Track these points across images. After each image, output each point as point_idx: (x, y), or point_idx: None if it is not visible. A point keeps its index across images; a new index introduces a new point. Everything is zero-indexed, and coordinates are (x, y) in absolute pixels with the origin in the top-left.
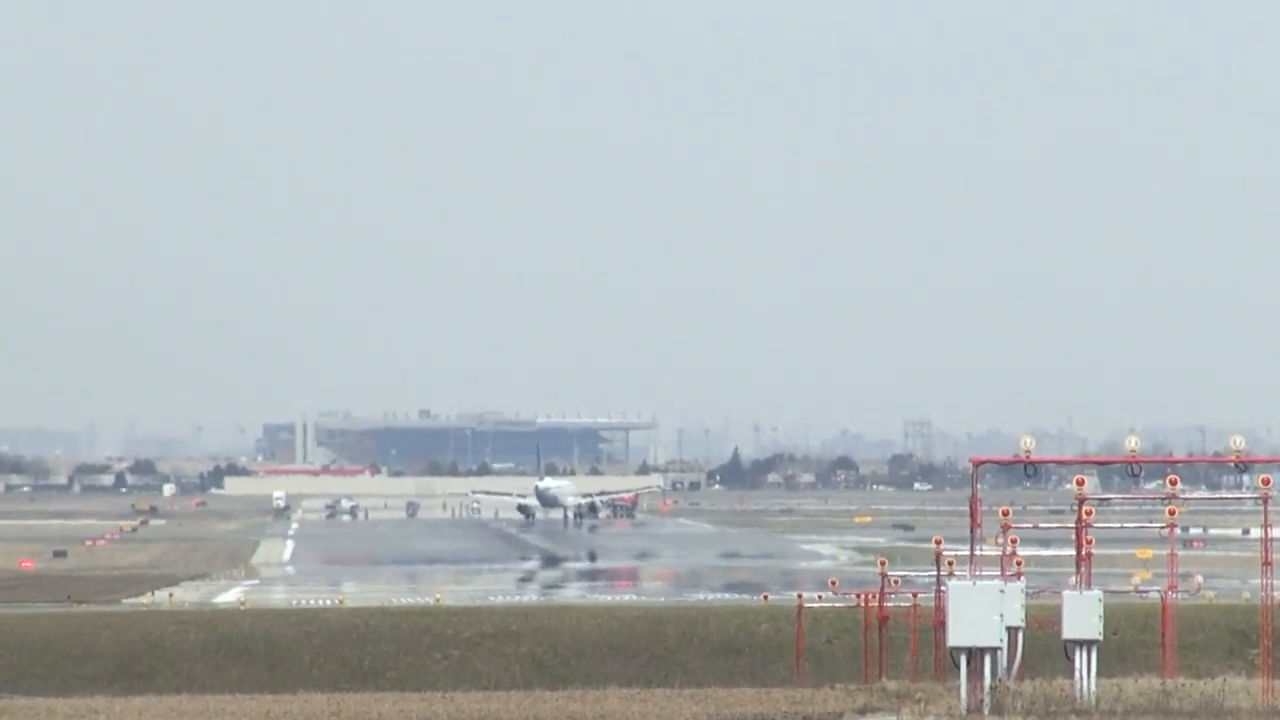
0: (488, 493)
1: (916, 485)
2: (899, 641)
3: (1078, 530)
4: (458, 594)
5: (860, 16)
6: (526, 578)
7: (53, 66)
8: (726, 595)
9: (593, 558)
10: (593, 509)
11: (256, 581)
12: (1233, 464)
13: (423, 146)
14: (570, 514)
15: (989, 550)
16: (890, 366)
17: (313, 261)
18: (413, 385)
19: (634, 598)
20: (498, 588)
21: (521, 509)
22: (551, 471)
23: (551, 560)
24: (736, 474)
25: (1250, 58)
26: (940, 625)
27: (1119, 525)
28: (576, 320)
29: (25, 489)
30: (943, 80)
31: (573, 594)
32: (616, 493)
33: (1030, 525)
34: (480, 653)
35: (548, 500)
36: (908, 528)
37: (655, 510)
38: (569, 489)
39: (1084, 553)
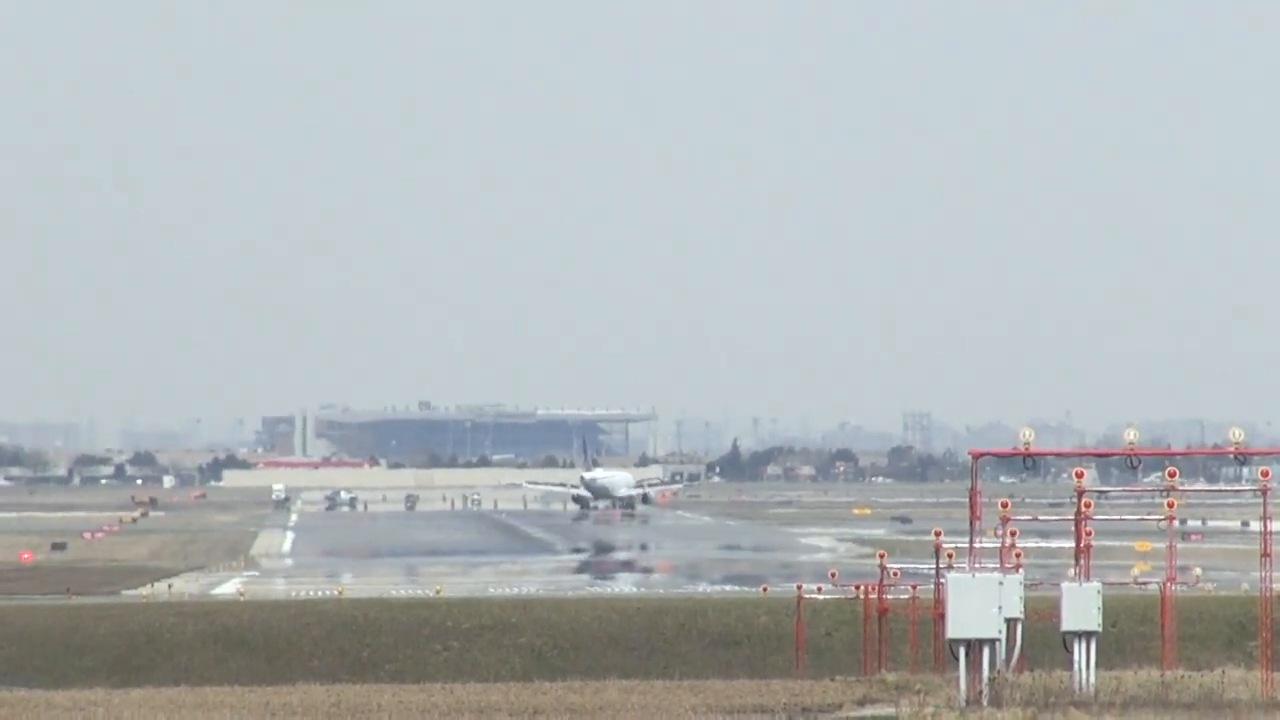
0: (537, 483)
1: (1003, 478)
2: (898, 633)
3: (1076, 522)
4: (458, 586)
5: (864, 14)
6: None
7: (62, 60)
8: (726, 586)
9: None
10: (645, 499)
11: (256, 573)
12: (1232, 456)
13: (421, 141)
14: (621, 504)
15: (988, 542)
16: (890, 359)
17: (312, 255)
18: (412, 378)
19: (633, 589)
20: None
21: (577, 499)
22: (551, 463)
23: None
24: (735, 466)
25: (1250, 54)
26: (939, 617)
27: (1118, 517)
28: (576, 312)
29: (42, 481)
30: (943, 77)
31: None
32: (661, 482)
33: (1029, 517)
34: (479, 644)
35: (598, 491)
36: (906, 520)
37: (653, 502)
38: (622, 479)
39: (1083, 545)
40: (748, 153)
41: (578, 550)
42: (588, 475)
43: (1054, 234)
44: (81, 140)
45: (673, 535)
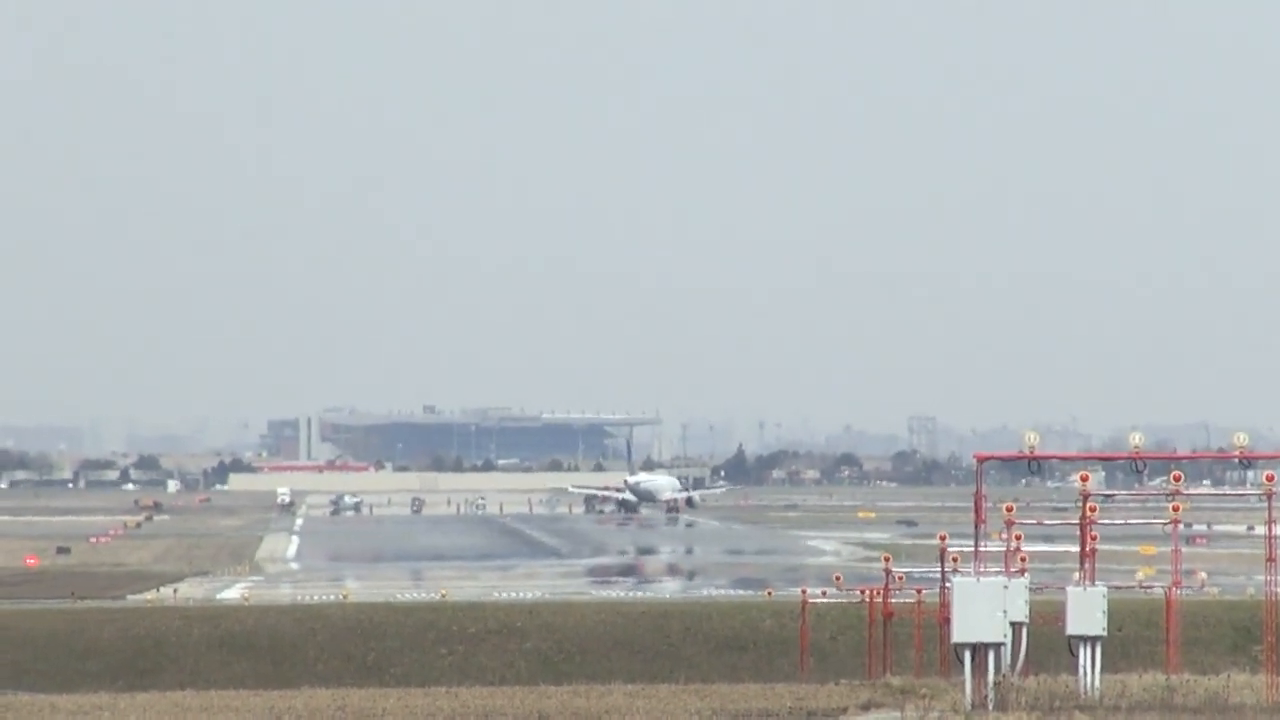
0: (583, 487)
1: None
2: (903, 638)
3: (1082, 526)
4: (463, 590)
5: (864, 13)
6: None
7: (55, 61)
8: (732, 591)
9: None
10: (690, 503)
11: (261, 577)
12: (1237, 460)
13: (425, 140)
14: (666, 508)
15: (993, 546)
16: (894, 362)
17: (317, 258)
18: (417, 381)
19: (639, 593)
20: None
21: (622, 504)
22: (556, 467)
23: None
24: (741, 470)
25: (1254, 54)
26: (944, 621)
27: (1123, 521)
28: (581, 316)
29: (47, 485)
30: (947, 76)
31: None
32: (705, 486)
33: (1034, 521)
34: (485, 648)
35: (643, 495)
36: (911, 524)
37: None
38: (666, 483)
39: (1088, 549)
40: (750, 155)
41: (622, 551)
42: (632, 479)
43: (1059, 237)
44: (79, 141)
45: (708, 540)
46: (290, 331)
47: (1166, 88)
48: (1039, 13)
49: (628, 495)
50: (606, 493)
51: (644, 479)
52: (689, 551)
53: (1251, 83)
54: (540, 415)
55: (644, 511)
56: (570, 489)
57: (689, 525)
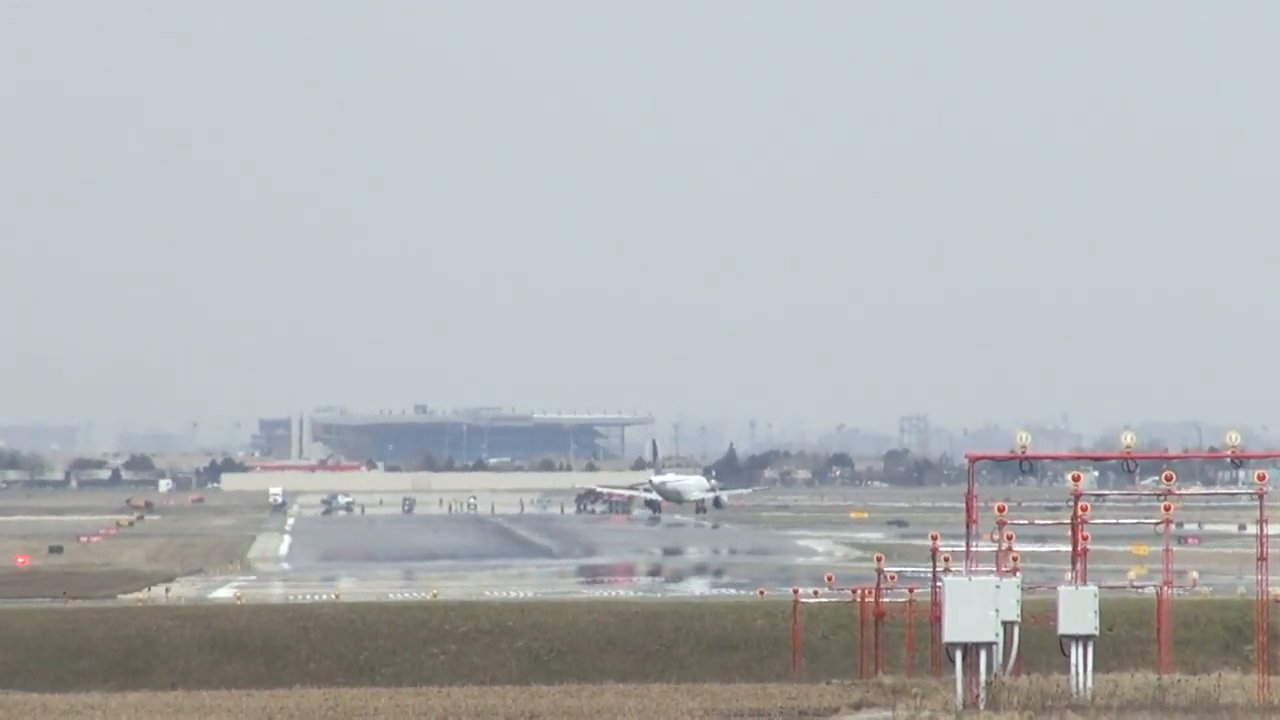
0: (610, 487)
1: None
2: (895, 637)
3: (1073, 526)
4: (455, 589)
5: (863, 14)
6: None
7: (49, 63)
8: (723, 590)
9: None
10: (717, 503)
11: (253, 577)
12: (1228, 460)
13: (419, 141)
14: (695, 509)
15: (985, 546)
16: (886, 362)
17: (309, 257)
18: (408, 381)
19: (630, 593)
20: None
21: (649, 504)
22: (548, 467)
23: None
24: (732, 470)
25: (1248, 55)
26: (936, 621)
27: (1115, 521)
28: (572, 316)
29: (39, 485)
30: (942, 77)
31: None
32: (733, 488)
33: (1026, 521)
34: (477, 648)
35: (669, 495)
36: (903, 524)
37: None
38: (694, 483)
39: (1080, 548)
40: (743, 154)
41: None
42: (657, 479)
43: (1052, 237)
44: (71, 141)
45: (737, 540)
46: (282, 332)
47: (1162, 91)
48: (1044, 24)
49: (653, 495)
50: (633, 493)
51: (671, 479)
52: (715, 552)
53: (1253, 86)
54: (532, 415)
55: (635, 512)
56: (597, 488)
57: (714, 527)
